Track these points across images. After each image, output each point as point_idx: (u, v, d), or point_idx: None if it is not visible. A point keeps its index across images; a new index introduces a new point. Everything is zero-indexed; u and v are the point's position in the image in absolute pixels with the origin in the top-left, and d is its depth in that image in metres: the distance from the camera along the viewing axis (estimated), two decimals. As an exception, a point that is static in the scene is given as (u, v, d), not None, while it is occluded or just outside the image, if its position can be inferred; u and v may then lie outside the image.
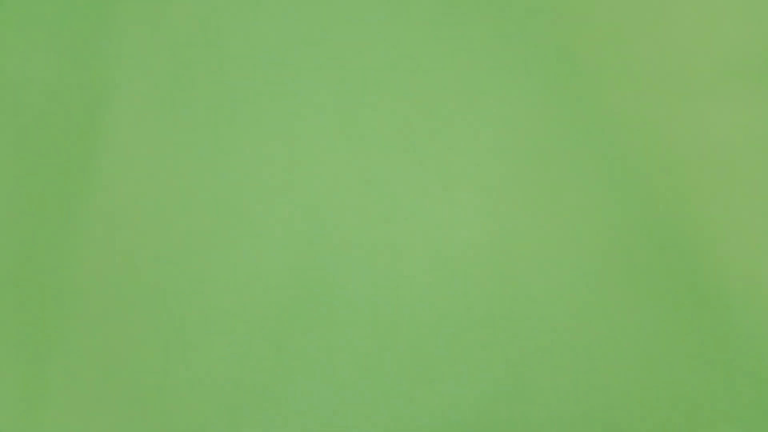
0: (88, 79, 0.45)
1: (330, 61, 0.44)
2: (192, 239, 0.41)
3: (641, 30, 0.47)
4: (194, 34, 0.46)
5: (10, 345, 0.41)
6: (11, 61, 0.46)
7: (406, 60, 0.45)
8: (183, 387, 0.39)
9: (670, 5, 0.47)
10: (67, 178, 0.43)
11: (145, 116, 0.44)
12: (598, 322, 0.40)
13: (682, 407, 0.39)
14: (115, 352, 0.40)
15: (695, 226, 0.42)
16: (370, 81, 0.44)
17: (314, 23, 0.45)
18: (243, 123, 0.43)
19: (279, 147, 0.43)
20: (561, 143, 0.44)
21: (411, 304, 0.40)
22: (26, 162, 0.44)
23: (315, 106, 0.43)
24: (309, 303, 0.40)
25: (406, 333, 0.40)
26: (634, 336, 0.40)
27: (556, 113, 0.44)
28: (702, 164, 0.43)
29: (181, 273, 0.41)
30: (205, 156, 0.43)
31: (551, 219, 0.42)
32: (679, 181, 0.43)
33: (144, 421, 0.39)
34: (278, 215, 0.41)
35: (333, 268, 0.40)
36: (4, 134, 0.45)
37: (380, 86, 0.44)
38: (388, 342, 0.40)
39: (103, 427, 0.39)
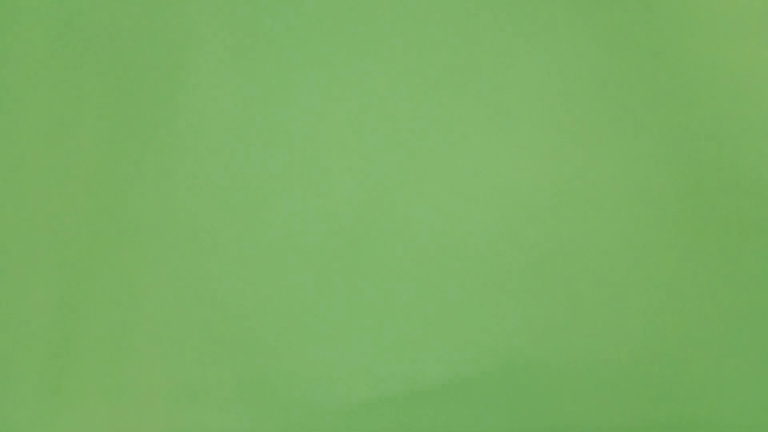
0: (170, 30, 0.47)
1: (392, 14, 0.45)
2: (264, 178, 0.43)
3: None
4: (263, 6, 0.48)
5: (100, 278, 0.43)
6: (101, 14, 0.48)
7: (466, 9, 0.45)
8: (259, 316, 0.41)
9: None
10: (151, 121, 0.45)
11: (222, 64, 0.46)
12: (659, 265, 0.40)
13: (722, 360, 0.39)
14: (197, 283, 0.42)
15: (756, 176, 0.42)
16: (430, 24, 0.45)
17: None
18: (313, 76, 0.45)
19: (347, 98, 0.44)
20: (621, 88, 0.44)
21: (467, 241, 0.41)
22: (115, 105, 0.45)
23: (379, 57, 0.44)
24: (373, 238, 0.41)
25: (461, 268, 0.41)
26: (680, 284, 0.40)
27: (617, 58, 0.44)
28: (764, 112, 0.43)
29: (259, 208, 0.42)
30: (278, 103, 0.44)
31: (610, 163, 0.42)
32: (741, 129, 0.43)
33: (225, 350, 0.40)
34: (346, 156, 0.43)
35: (395, 207, 0.42)
36: (95, 80, 0.46)
37: (442, 29, 0.44)
38: (443, 276, 0.41)
39: (178, 354, 0.41)
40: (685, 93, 0.43)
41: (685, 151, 0.42)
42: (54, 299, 0.42)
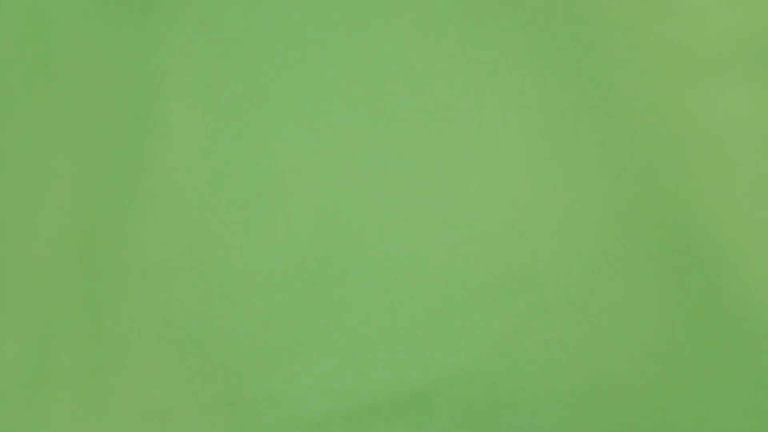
0: (142, 70, 0.49)
1: (349, 51, 0.47)
2: (235, 208, 0.45)
3: (650, 12, 0.48)
4: (233, 36, 0.50)
5: (72, 309, 0.44)
6: (74, 54, 0.50)
7: (420, 45, 0.47)
8: (221, 339, 0.43)
9: None
10: (124, 156, 0.47)
11: (193, 101, 0.48)
12: (597, 290, 0.42)
13: (677, 371, 0.40)
14: (164, 311, 0.43)
15: (698, 205, 0.43)
16: (388, 65, 0.47)
17: (339, 21, 0.49)
18: (278, 109, 0.47)
19: (307, 132, 0.46)
20: (570, 123, 0.46)
21: (424, 265, 0.43)
22: (88, 142, 0.47)
23: (338, 93, 0.46)
24: (333, 262, 0.43)
25: (420, 290, 0.43)
26: (631, 305, 0.41)
27: (566, 93, 0.46)
28: (707, 145, 0.45)
29: (225, 236, 0.44)
30: (246, 138, 0.46)
31: (558, 194, 0.44)
32: (684, 162, 0.44)
33: (191, 366, 0.42)
34: (308, 189, 0.45)
35: (354, 232, 0.44)
36: (68, 118, 0.48)
37: (396, 69, 0.47)
38: (404, 297, 0.43)
39: (153, 375, 0.42)
40: (626, 132, 0.46)
41: (624, 185, 0.44)
42: (31, 317, 0.44)
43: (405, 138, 0.46)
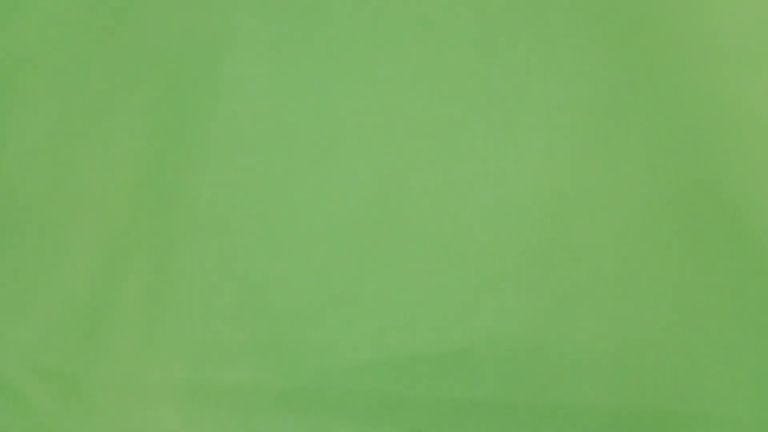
0: (214, 25, 0.51)
1: (418, 23, 0.48)
2: (299, 162, 0.47)
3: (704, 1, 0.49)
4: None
5: (140, 247, 0.46)
6: (151, 6, 0.52)
7: (481, 21, 0.49)
8: (279, 285, 0.45)
9: None
10: (195, 103, 0.49)
11: (261, 57, 0.50)
12: (641, 265, 0.43)
13: (710, 348, 0.41)
14: (226, 256, 0.45)
15: (742, 189, 0.44)
16: (451, 41, 0.48)
17: None
18: (344, 72, 0.48)
19: (371, 96, 0.47)
20: (621, 102, 0.47)
21: (474, 232, 0.44)
22: (161, 101, 0.49)
23: (403, 63, 0.48)
24: (388, 221, 0.45)
25: (469, 255, 0.44)
26: (673, 281, 0.42)
27: (618, 74, 0.47)
28: (756, 133, 0.46)
29: (285, 192, 0.46)
30: (312, 96, 0.48)
31: (606, 171, 0.45)
32: (730, 147, 0.45)
33: (249, 308, 0.44)
34: (368, 150, 0.46)
35: (409, 195, 0.45)
36: (144, 77, 0.50)
37: (457, 44, 0.48)
38: (453, 260, 0.44)
39: (213, 313, 0.45)
40: (675, 113, 0.46)
41: (670, 166, 0.45)
42: (100, 247, 0.46)
43: (464, 109, 0.47)
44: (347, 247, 0.45)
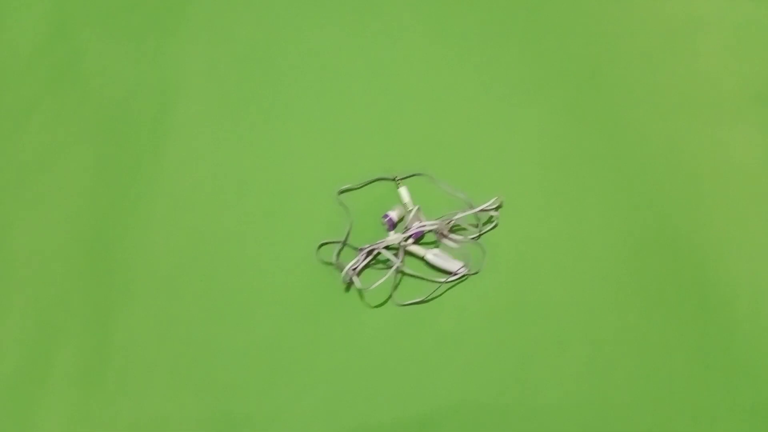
0: (160, 80, 0.50)
1: (360, 72, 0.48)
2: (242, 223, 0.45)
3: (670, 55, 0.50)
4: (247, 51, 0.51)
5: (74, 314, 0.44)
6: (98, 59, 0.51)
7: (428, 70, 0.49)
8: (223, 354, 0.42)
9: (695, 34, 0.51)
10: (139, 160, 0.47)
11: (205, 111, 0.49)
12: (604, 321, 0.42)
13: (679, 404, 0.40)
14: (167, 322, 0.43)
15: (705, 238, 0.43)
16: (399, 83, 0.48)
17: (352, 41, 0.50)
18: (283, 128, 0.48)
19: (308, 151, 0.47)
20: (580, 154, 0.47)
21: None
22: (106, 146, 0.48)
23: (348, 111, 0.48)
24: (328, 299, 0.43)
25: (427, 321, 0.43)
26: (641, 339, 0.41)
27: (580, 128, 0.47)
28: (715, 181, 0.45)
29: (230, 252, 0.44)
30: (253, 156, 0.47)
31: (567, 225, 0.44)
32: (692, 196, 0.45)
33: (192, 378, 0.41)
34: (309, 209, 0.45)
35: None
36: (89, 122, 0.49)
37: (406, 86, 0.48)
38: (410, 328, 0.42)
39: (154, 384, 0.41)
40: (637, 165, 0.46)
41: (634, 218, 0.45)
42: (35, 315, 0.43)
43: (410, 156, 0.46)
44: (296, 310, 0.43)
